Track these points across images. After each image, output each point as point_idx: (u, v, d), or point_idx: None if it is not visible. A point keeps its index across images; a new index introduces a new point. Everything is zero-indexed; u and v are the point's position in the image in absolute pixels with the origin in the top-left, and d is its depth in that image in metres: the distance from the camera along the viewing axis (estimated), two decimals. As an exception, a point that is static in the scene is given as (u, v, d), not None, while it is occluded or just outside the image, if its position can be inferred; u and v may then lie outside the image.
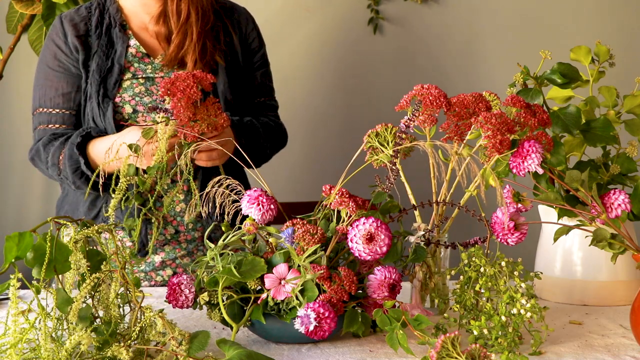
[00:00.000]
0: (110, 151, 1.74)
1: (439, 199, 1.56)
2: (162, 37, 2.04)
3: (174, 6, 2.00)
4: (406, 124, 1.53)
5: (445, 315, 1.45)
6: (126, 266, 1.29)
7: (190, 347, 1.19)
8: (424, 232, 1.54)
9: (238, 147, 1.70)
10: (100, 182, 1.68)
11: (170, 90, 1.63)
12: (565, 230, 1.51)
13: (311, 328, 1.35)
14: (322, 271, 1.38)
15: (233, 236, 1.43)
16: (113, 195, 1.60)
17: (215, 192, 1.54)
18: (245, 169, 1.96)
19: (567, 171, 1.47)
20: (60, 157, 1.95)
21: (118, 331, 1.27)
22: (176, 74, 1.65)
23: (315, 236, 1.41)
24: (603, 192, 1.60)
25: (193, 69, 1.98)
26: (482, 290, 1.41)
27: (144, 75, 2.02)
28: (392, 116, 1.72)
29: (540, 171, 1.45)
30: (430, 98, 1.53)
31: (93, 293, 1.28)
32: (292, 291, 1.37)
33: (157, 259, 2.02)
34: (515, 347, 1.36)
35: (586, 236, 1.65)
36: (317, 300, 1.36)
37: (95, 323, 1.26)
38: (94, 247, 1.32)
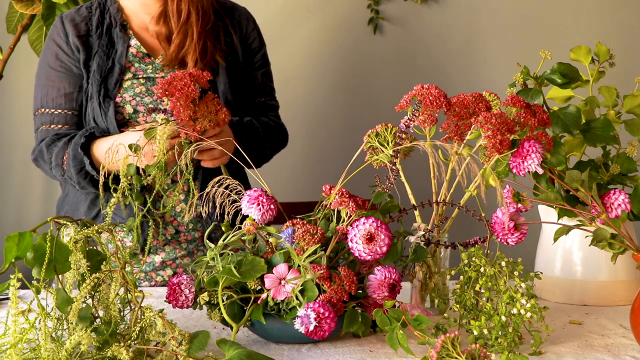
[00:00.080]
0: (110, 151, 1.74)
1: (439, 199, 1.56)
2: (163, 37, 2.04)
3: (174, 6, 2.00)
4: (406, 124, 1.53)
5: (445, 315, 1.45)
6: (126, 266, 1.29)
7: (190, 347, 1.19)
8: (424, 232, 1.54)
9: (238, 147, 1.70)
10: (101, 182, 1.68)
11: (168, 90, 1.64)
12: (565, 230, 1.51)
13: (311, 328, 1.35)
14: (322, 271, 1.38)
15: (233, 236, 1.43)
16: (116, 195, 1.60)
17: (215, 192, 1.54)
18: (246, 169, 1.96)
19: (567, 171, 1.47)
20: (64, 158, 1.95)
21: (118, 331, 1.27)
22: (172, 74, 1.66)
23: (315, 236, 1.41)
24: (603, 192, 1.60)
25: (194, 69, 1.98)
26: (482, 290, 1.41)
27: (144, 75, 2.02)
28: (392, 116, 1.72)
29: (540, 171, 1.45)
30: (430, 98, 1.53)
31: (93, 293, 1.28)
32: (292, 291, 1.37)
33: (158, 259, 2.02)
34: (515, 347, 1.36)
35: (586, 236, 1.65)
36: (317, 300, 1.36)
37: (95, 323, 1.26)
38: (94, 247, 1.32)
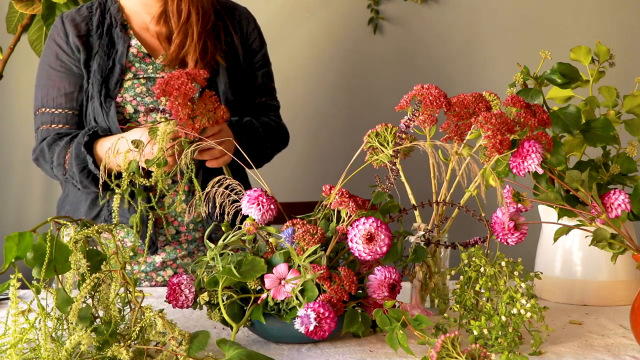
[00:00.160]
0: (110, 150, 1.74)
1: (439, 199, 1.56)
2: (163, 37, 2.04)
3: (174, 6, 1.99)
4: (406, 124, 1.53)
5: (445, 315, 1.45)
6: (126, 266, 1.29)
7: (190, 347, 1.19)
8: (424, 232, 1.54)
9: (237, 146, 1.70)
10: (101, 180, 1.67)
11: (166, 90, 1.64)
12: (565, 230, 1.51)
13: (311, 328, 1.35)
14: (322, 271, 1.38)
15: (233, 236, 1.43)
16: (118, 191, 1.60)
17: (215, 192, 1.54)
18: (246, 169, 1.96)
19: (567, 171, 1.47)
20: (66, 157, 1.95)
21: (118, 331, 1.27)
22: (169, 74, 1.66)
23: (315, 236, 1.41)
24: (603, 192, 1.60)
25: (193, 68, 1.98)
26: (482, 290, 1.41)
27: (145, 76, 2.02)
28: (392, 116, 1.72)
29: (540, 171, 1.45)
30: (430, 98, 1.53)
31: (93, 293, 1.28)
32: (292, 291, 1.37)
33: (158, 259, 2.02)
34: (515, 347, 1.36)
35: (586, 236, 1.65)
36: (317, 300, 1.36)
37: (95, 323, 1.26)
38: (94, 247, 1.32)
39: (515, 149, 1.46)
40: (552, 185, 1.69)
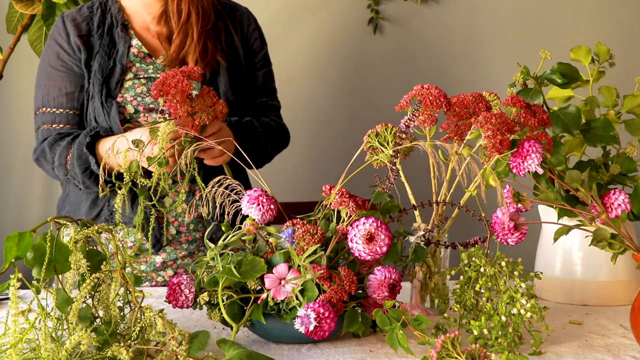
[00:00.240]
0: (110, 150, 1.74)
1: (439, 199, 1.56)
2: (164, 37, 2.04)
3: (175, 6, 1.99)
4: (406, 124, 1.53)
5: (445, 315, 1.45)
6: (126, 266, 1.29)
7: (190, 347, 1.19)
8: (424, 232, 1.54)
9: (237, 146, 1.70)
10: (101, 181, 1.67)
11: (162, 89, 1.64)
12: (565, 230, 1.51)
13: (311, 328, 1.35)
14: (322, 271, 1.38)
15: (233, 236, 1.43)
16: (120, 192, 1.59)
17: (215, 192, 1.54)
18: (247, 169, 1.96)
19: (567, 171, 1.47)
20: (68, 158, 1.95)
21: (118, 331, 1.27)
22: (164, 74, 1.66)
23: (315, 236, 1.41)
24: (603, 192, 1.60)
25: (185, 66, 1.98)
26: (482, 290, 1.41)
27: (145, 76, 2.01)
28: (392, 116, 1.72)
29: (540, 171, 1.45)
30: (430, 98, 1.52)
31: (93, 293, 1.28)
32: (292, 291, 1.37)
33: (158, 259, 2.02)
34: (515, 347, 1.36)
35: (586, 236, 1.65)
36: (317, 300, 1.36)
37: (95, 323, 1.26)
38: (94, 247, 1.32)
39: (515, 149, 1.46)
40: (552, 185, 1.69)
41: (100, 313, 1.29)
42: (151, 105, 1.98)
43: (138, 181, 1.65)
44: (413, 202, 1.57)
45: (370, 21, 3.00)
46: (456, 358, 1.18)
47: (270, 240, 1.45)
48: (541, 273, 1.49)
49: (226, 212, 1.54)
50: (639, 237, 1.95)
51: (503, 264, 1.41)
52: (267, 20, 2.41)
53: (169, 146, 1.65)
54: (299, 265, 1.39)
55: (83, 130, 1.97)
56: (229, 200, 1.54)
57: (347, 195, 1.46)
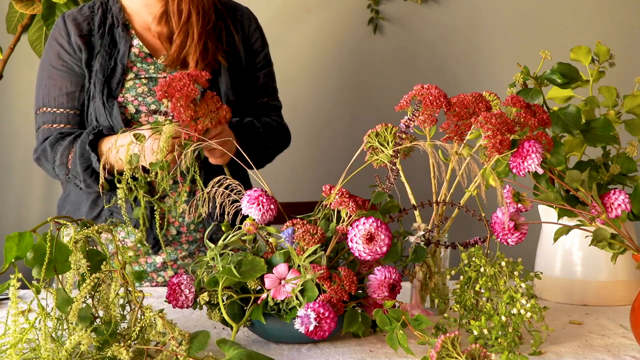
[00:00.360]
0: (112, 145, 1.74)
1: (439, 199, 1.56)
2: (164, 37, 2.04)
3: (175, 6, 1.99)
4: (406, 124, 1.53)
5: (445, 315, 1.45)
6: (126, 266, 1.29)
7: (190, 347, 1.19)
8: (424, 232, 1.54)
9: (238, 147, 1.70)
10: (101, 180, 1.67)
11: (168, 92, 1.63)
12: (565, 230, 1.51)
13: (311, 328, 1.35)
14: (322, 271, 1.38)
15: (233, 236, 1.43)
16: (119, 186, 1.59)
17: (215, 192, 1.54)
18: (247, 168, 1.96)
19: (567, 171, 1.47)
20: (70, 157, 1.95)
21: (118, 331, 1.27)
22: (171, 76, 1.66)
23: (315, 236, 1.41)
24: (603, 192, 1.60)
25: (195, 69, 1.98)
26: (482, 290, 1.41)
27: (146, 76, 2.01)
28: (392, 116, 1.72)
29: (540, 171, 1.45)
30: (430, 98, 1.53)
31: (93, 293, 1.28)
32: (292, 291, 1.37)
33: (159, 259, 2.02)
34: (515, 347, 1.36)
35: (586, 236, 1.65)
36: (317, 300, 1.36)
37: (95, 323, 1.26)
38: (94, 247, 1.32)
39: (515, 149, 1.46)
40: (552, 185, 1.69)
41: (100, 313, 1.29)
42: (153, 107, 1.98)
43: (137, 174, 1.64)
44: (413, 202, 1.57)
45: (370, 21, 3.00)
46: (456, 358, 1.18)
47: (270, 240, 1.45)
48: (541, 273, 1.49)
49: (226, 212, 1.53)
50: (639, 237, 1.95)
51: (503, 264, 1.41)
52: (268, 20, 2.41)
53: (170, 148, 1.65)
54: (299, 265, 1.39)
55: (85, 130, 1.97)
56: (229, 200, 1.54)
57: (347, 195, 1.46)
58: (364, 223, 1.41)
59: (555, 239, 1.52)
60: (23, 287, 1.27)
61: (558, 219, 1.68)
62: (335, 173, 1.63)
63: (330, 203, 1.47)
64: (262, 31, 2.16)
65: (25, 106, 2.83)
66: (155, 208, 1.81)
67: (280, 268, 1.39)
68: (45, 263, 1.22)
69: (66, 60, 2.02)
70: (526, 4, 3.02)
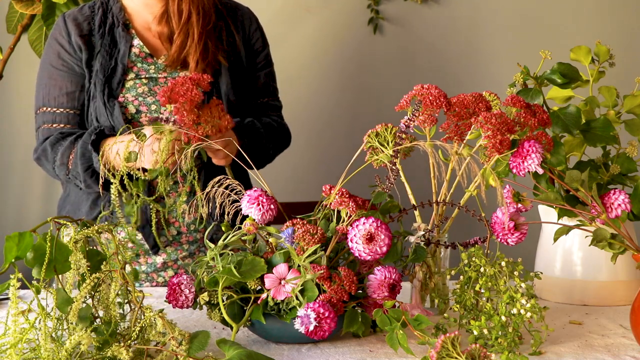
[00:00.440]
0: (113, 144, 1.74)
1: (439, 199, 1.56)
2: (165, 37, 2.03)
3: (175, 6, 1.99)
4: (406, 124, 1.53)
5: (445, 315, 1.45)
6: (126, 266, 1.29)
7: (190, 347, 1.19)
8: (424, 232, 1.54)
9: (239, 148, 1.70)
10: (101, 179, 1.67)
11: (171, 97, 1.62)
12: (565, 230, 1.51)
13: (311, 328, 1.35)
14: (322, 271, 1.38)
15: (233, 236, 1.43)
16: (113, 181, 1.58)
17: (215, 192, 1.54)
18: (247, 168, 1.96)
19: (567, 171, 1.47)
20: (71, 157, 1.95)
21: (118, 331, 1.27)
22: (173, 81, 1.65)
23: (315, 236, 1.41)
24: (603, 192, 1.60)
25: (195, 69, 1.98)
26: (482, 290, 1.41)
27: (147, 76, 2.01)
28: (392, 116, 1.72)
29: (540, 171, 1.45)
30: (430, 98, 1.53)
31: (93, 293, 1.28)
32: (292, 291, 1.37)
33: (159, 260, 2.02)
34: (515, 347, 1.36)
35: (586, 236, 1.65)
36: (317, 300, 1.36)
37: (95, 323, 1.26)
38: (94, 247, 1.32)
39: (515, 149, 1.46)
40: (552, 185, 1.69)
41: (100, 313, 1.29)
42: (153, 107, 1.98)
43: (135, 174, 1.64)
44: (413, 202, 1.57)
45: (370, 21, 3.00)
46: (456, 358, 1.18)
47: (270, 240, 1.45)
48: (541, 273, 1.49)
49: (226, 212, 1.53)
50: (639, 237, 1.95)
51: (503, 264, 1.41)
52: (268, 20, 2.41)
53: (171, 151, 1.65)
54: (299, 265, 1.39)
55: (86, 130, 1.97)
56: (229, 200, 1.54)
57: (347, 195, 1.46)
58: (364, 223, 1.41)
59: (555, 239, 1.52)
60: (23, 287, 1.27)
61: (558, 219, 1.68)
62: (336, 173, 1.63)
63: (330, 203, 1.47)
64: (263, 31, 2.16)
65: (25, 106, 2.83)
66: (151, 207, 1.80)
67: (280, 268, 1.39)
68: (45, 263, 1.22)
69: (66, 60, 2.02)
70: (526, 4, 3.02)
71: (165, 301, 1.45)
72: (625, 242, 1.45)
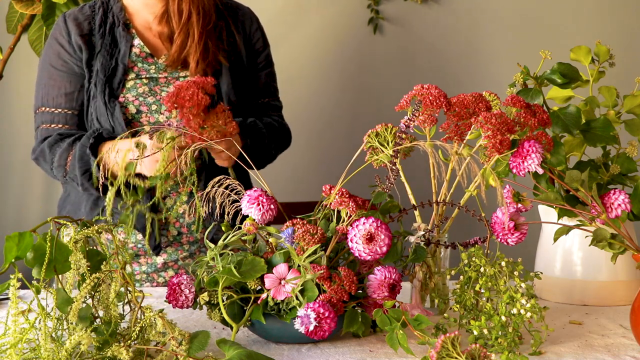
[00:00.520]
0: (110, 149, 1.74)
1: (439, 199, 1.56)
2: (165, 37, 2.03)
3: (175, 6, 1.99)
4: (406, 124, 1.53)
5: (445, 315, 1.45)
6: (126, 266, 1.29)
7: (190, 347, 1.19)
8: (424, 232, 1.54)
9: (241, 149, 1.70)
10: (101, 180, 1.67)
11: (177, 102, 1.60)
12: (565, 230, 1.51)
13: (311, 328, 1.35)
14: (322, 271, 1.38)
15: (233, 236, 1.43)
16: (110, 188, 1.58)
17: (215, 192, 1.54)
18: (247, 168, 1.95)
19: (567, 171, 1.47)
20: (68, 159, 1.95)
21: (118, 331, 1.27)
22: (177, 86, 1.62)
23: (315, 236, 1.41)
24: (603, 192, 1.60)
25: (196, 69, 1.98)
26: (482, 290, 1.41)
27: (147, 76, 2.01)
28: (392, 116, 1.72)
29: (540, 171, 1.45)
30: (430, 98, 1.53)
31: (93, 293, 1.28)
32: (292, 291, 1.37)
33: (159, 260, 2.02)
34: (515, 347, 1.36)
35: (586, 236, 1.65)
36: (317, 300, 1.36)
37: (95, 323, 1.26)
38: (94, 247, 1.32)
39: (515, 149, 1.46)
40: (552, 185, 1.69)
41: (100, 313, 1.29)
42: (154, 107, 1.98)
43: (133, 181, 1.63)
44: (413, 202, 1.57)
45: (370, 21, 3.00)
46: (456, 358, 1.18)
47: (270, 240, 1.45)
48: (541, 273, 1.49)
49: (226, 212, 1.53)
50: (639, 237, 1.95)
51: (503, 264, 1.41)
52: (268, 20, 2.41)
53: (171, 160, 1.64)
54: (299, 265, 1.39)
55: (85, 132, 1.97)
56: (229, 200, 1.54)
57: (347, 195, 1.46)
58: (364, 223, 1.41)
59: (555, 239, 1.52)
60: (23, 287, 1.27)
61: (558, 219, 1.68)
62: (336, 173, 1.63)
63: (330, 203, 1.47)
64: (264, 31, 2.16)
65: (25, 106, 2.83)
66: (143, 211, 1.80)
67: (280, 268, 1.39)
68: (45, 263, 1.22)
69: (66, 60, 2.02)
70: (526, 4, 3.02)
71: (165, 301, 1.45)
72: (625, 242, 1.45)
